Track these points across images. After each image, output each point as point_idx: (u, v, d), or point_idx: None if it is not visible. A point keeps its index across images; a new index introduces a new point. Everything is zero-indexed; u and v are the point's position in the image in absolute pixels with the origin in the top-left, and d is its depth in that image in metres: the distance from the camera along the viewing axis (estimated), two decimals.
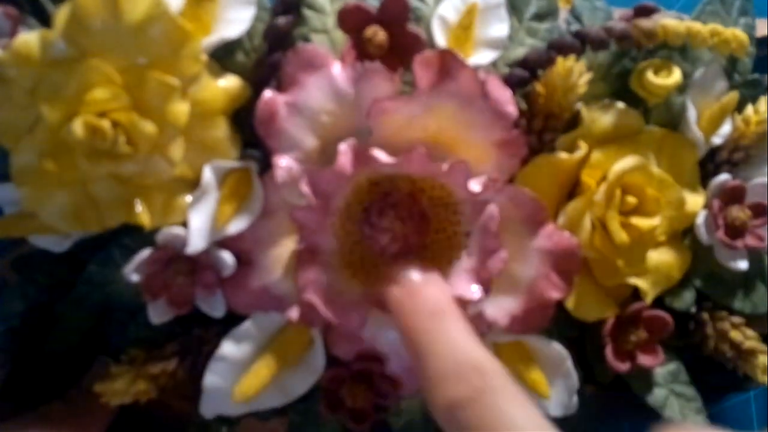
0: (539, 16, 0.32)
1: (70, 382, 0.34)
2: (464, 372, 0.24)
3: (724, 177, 0.33)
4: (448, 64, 0.28)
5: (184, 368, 0.31)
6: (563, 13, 0.32)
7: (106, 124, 0.26)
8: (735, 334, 0.33)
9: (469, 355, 0.24)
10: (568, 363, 0.32)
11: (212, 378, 0.30)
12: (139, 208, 0.28)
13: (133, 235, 0.30)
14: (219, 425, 0.33)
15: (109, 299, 0.32)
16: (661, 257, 0.33)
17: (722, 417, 0.35)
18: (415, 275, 0.28)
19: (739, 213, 0.33)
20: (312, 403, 0.33)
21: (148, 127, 0.26)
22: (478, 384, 0.23)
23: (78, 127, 0.25)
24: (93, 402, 0.32)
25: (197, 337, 0.31)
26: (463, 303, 0.29)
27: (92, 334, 0.34)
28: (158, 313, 0.30)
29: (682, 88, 0.32)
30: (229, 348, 0.30)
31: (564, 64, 0.29)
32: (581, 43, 0.30)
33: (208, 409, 0.31)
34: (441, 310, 0.26)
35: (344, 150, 0.28)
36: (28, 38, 0.26)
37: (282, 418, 0.33)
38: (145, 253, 0.29)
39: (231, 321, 0.31)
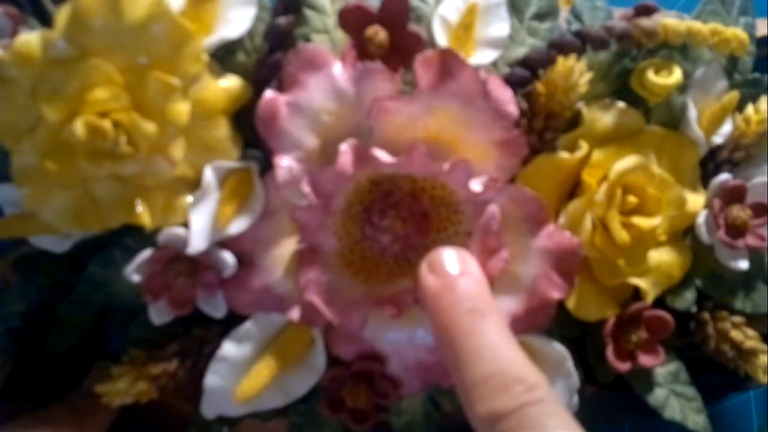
0: (540, 16, 0.32)
1: (71, 384, 0.34)
2: (507, 382, 0.23)
3: (724, 176, 0.33)
4: (448, 63, 0.28)
5: (185, 369, 0.31)
6: (564, 13, 0.32)
7: (107, 124, 0.26)
8: (736, 334, 0.33)
9: (511, 364, 0.23)
10: (569, 363, 0.32)
11: (213, 378, 0.30)
12: (140, 208, 0.28)
13: (134, 236, 0.30)
14: (220, 426, 0.33)
15: (110, 300, 0.32)
16: (661, 257, 0.33)
17: (722, 417, 0.35)
18: (452, 266, 0.26)
19: (739, 212, 0.33)
20: (313, 404, 0.33)
21: (149, 127, 0.26)
22: (521, 396, 0.22)
23: (79, 127, 0.25)
24: (93, 404, 0.32)
25: (198, 337, 0.31)
26: None
27: (93, 336, 0.34)
28: (159, 314, 0.30)
29: (682, 88, 0.32)
30: (230, 348, 0.30)
31: (565, 63, 0.29)
32: (582, 42, 0.30)
33: (209, 409, 0.31)
34: (480, 309, 0.25)
35: (345, 150, 0.28)
36: (29, 38, 0.25)
37: (282, 419, 0.33)
38: (145, 253, 0.29)
39: (232, 321, 0.31)
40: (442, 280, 0.26)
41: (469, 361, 0.24)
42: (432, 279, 0.26)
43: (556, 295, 0.30)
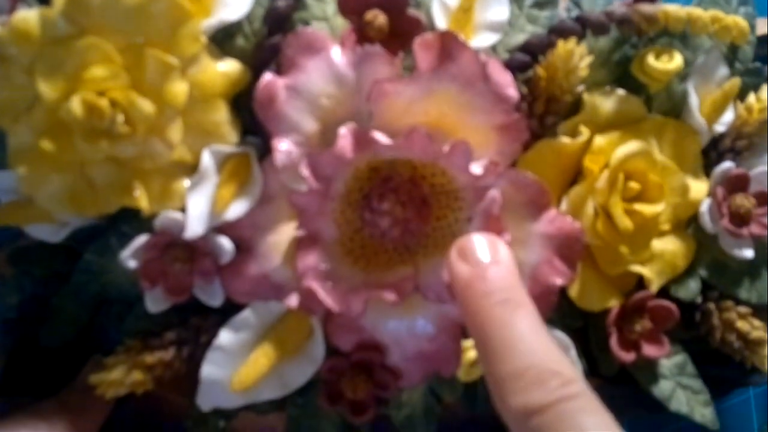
0: (539, 4, 0.32)
1: (66, 379, 0.34)
2: (543, 376, 0.22)
3: (727, 165, 0.33)
4: (448, 45, 0.28)
5: (181, 358, 0.31)
6: (563, 2, 0.32)
7: (104, 102, 0.25)
8: (742, 324, 0.33)
9: (546, 357, 0.23)
10: (572, 352, 0.31)
11: (209, 368, 0.30)
12: (137, 192, 0.28)
13: (131, 223, 0.30)
14: (216, 419, 0.32)
15: (106, 289, 0.31)
16: (665, 246, 0.32)
17: (722, 417, 0.35)
18: (483, 253, 0.25)
19: (743, 201, 0.32)
20: (311, 397, 0.32)
21: (147, 106, 0.26)
22: (557, 391, 0.22)
23: (76, 105, 0.25)
24: (87, 399, 0.32)
25: (195, 326, 0.31)
26: None
27: (88, 330, 0.34)
28: (155, 302, 0.30)
29: (683, 76, 0.32)
30: (227, 337, 0.30)
31: (565, 46, 0.29)
32: (582, 27, 0.30)
33: (205, 401, 0.30)
34: (513, 299, 0.24)
35: (344, 133, 0.28)
36: (28, 16, 0.25)
37: (280, 413, 0.33)
38: (142, 238, 0.29)
39: (229, 310, 0.30)
40: (473, 268, 0.25)
41: (502, 353, 0.23)
42: (462, 267, 0.25)
43: (558, 281, 0.29)
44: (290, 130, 0.28)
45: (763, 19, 0.37)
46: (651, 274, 0.32)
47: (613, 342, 0.32)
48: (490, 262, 0.25)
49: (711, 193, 0.33)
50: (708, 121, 0.32)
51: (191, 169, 0.28)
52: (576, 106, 0.31)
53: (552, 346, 0.23)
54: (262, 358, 0.30)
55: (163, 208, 0.28)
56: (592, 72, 0.30)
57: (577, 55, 0.29)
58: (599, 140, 0.31)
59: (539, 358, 0.22)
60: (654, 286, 0.32)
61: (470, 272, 0.25)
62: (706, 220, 0.33)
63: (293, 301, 0.29)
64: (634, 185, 0.30)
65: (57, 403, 0.32)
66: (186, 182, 0.28)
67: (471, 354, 0.31)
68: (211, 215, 0.29)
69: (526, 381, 0.22)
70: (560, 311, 0.31)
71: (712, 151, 0.34)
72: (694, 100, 0.32)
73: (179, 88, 0.26)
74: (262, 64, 0.29)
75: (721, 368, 0.35)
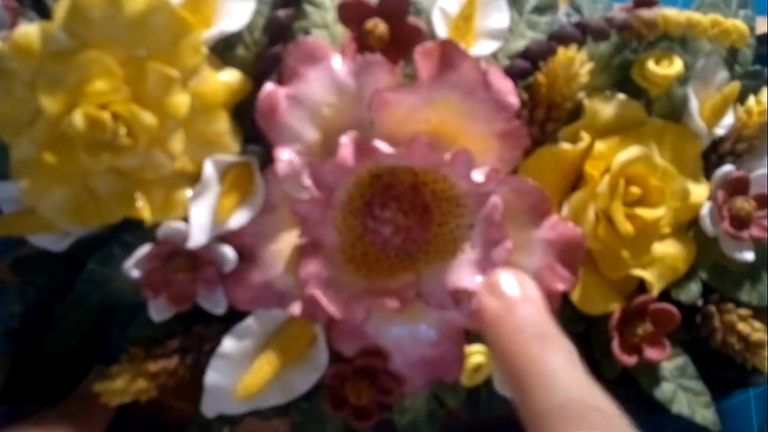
0: (539, 9, 0.32)
1: (70, 385, 0.34)
2: (584, 411, 0.22)
3: (727, 168, 0.33)
4: (449, 54, 0.28)
5: (185, 366, 0.31)
6: (563, 7, 0.32)
7: (106, 115, 0.26)
8: (742, 327, 0.33)
9: (584, 393, 0.22)
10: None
11: (213, 376, 0.30)
12: (140, 202, 0.28)
13: (133, 232, 0.30)
14: (221, 425, 0.32)
15: (109, 298, 0.32)
16: (666, 249, 0.32)
17: (722, 417, 0.35)
18: (512, 289, 0.25)
19: (743, 204, 0.32)
20: (315, 402, 0.32)
21: (148, 118, 0.26)
22: (601, 428, 0.21)
23: (78, 118, 0.25)
24: (89, 408, 0.32)
25: (198, 334, 0.31)
26: (468, 295, 0.29)
27: (92, 336, 0.34)
28: (159, 310, 0.30)
29: (683, 80, 0.32)
30: (230, 345, 0.30)
31: (565, 53, 0.29)
32: (582, 33, 0.30)
33: (210, 407, 0.31)
34: (546, 334, 0.24)
35: (346, 142, 0.28)
36: (28, 30, 0.25)
37: (284, 418, 0.33)
38: (145, 248, 0.29)
39: (232, 318, 0.30)
40: (503, 303, 0.25)
41: (539, 388, 0.23)
42: (492, 302, 0.25)
43: (560, 287, 0.30)
44: (292, 140, 0.28)
45: (763, 18, 0.37)
46: (652, 277, 0.32)
47: (615, 346, 0.32)
48: (520, 298, 0.25)
49: (711, 197, 0.33)
50: (708, 124, 0.32)
51: (193, 178, 0.29)
52: (576, 112, 0.31)
53: (587, 380, 0.23)
54: (265, 365, 0.30)
55: (165, 218, 0.29)
56: (593, 77, 0.30)
57: (577, 63, 0.29)
58: (600, 145, 0.31)
59: (577, 394, 0.22)
60: (655, 290, 0.32)
61: (501, 307, 0.25)
62: (706, 223, 0.33)
63: (296, 308, 0.30)
64: (634, 190, 0.31)
65: (60, 412, 0.33)
66: (188, 192, 0.29)
67: (474, 359, 0.31)
68: (214, 224, 0.29)
69: (567, 417, 0.22)
70: (562, 315, 0.31)
71: (713, 155, 0.34)
72: (694, 103, 0.32)
73: (180, 100, 0.27)
74: (263, 74, 0.29)
75: (721, 369, 0.35)
